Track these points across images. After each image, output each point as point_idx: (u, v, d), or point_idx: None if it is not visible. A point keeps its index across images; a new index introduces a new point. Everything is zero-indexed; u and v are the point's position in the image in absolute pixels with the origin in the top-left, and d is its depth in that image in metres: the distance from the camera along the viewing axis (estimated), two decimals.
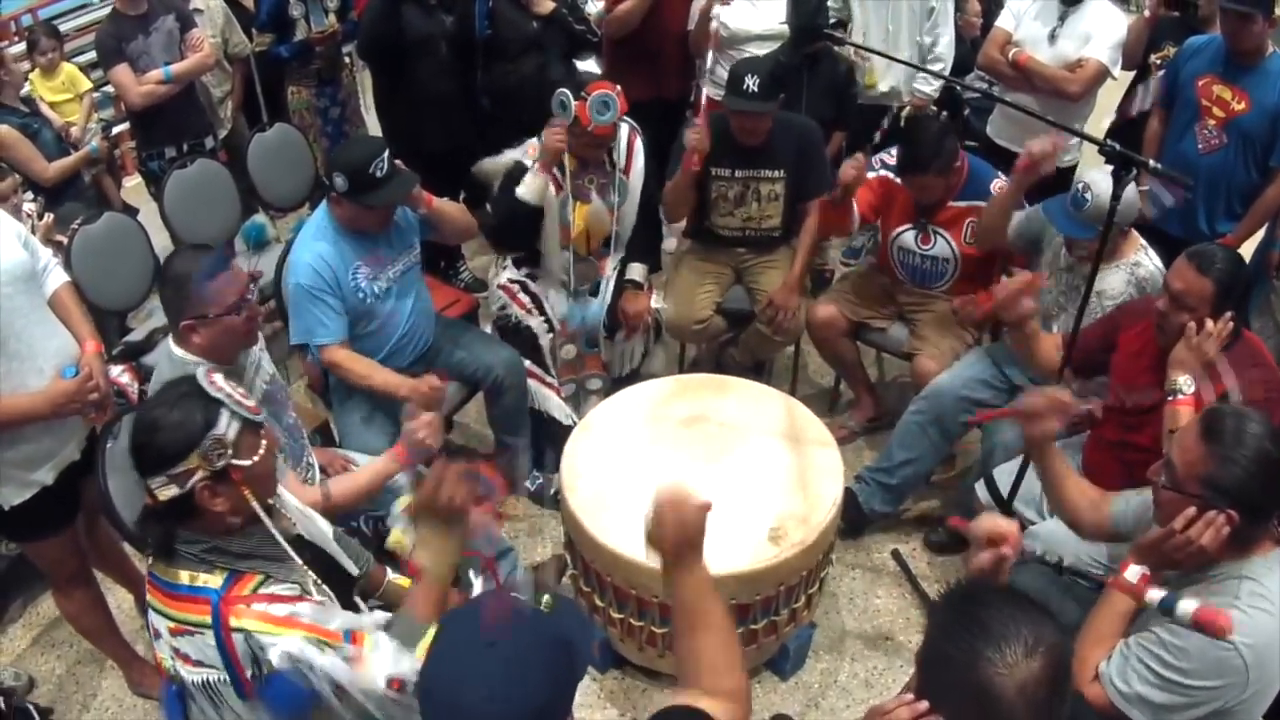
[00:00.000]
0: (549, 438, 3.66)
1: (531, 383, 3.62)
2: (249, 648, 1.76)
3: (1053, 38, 3.97)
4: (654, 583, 2.70)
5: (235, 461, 1.80)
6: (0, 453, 2.49)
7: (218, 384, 1.83)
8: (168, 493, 1.77)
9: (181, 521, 1.82)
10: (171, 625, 1.81)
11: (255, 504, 1.84)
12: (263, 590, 1.81)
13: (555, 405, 3.66)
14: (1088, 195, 2.90)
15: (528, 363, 3.60)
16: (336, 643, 1.78)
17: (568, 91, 3.33)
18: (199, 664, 1.80)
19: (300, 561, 1.90)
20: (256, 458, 1.85)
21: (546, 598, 1.52)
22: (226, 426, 1.80)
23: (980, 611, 1.44)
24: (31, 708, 3.00)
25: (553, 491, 3.60)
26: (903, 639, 3.25)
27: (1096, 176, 2.90)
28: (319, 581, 1.94)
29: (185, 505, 1.79)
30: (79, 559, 2.84)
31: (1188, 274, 2.50)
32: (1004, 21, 4.13)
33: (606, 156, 3.56)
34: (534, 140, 3.51)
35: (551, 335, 3.63)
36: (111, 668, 3.19)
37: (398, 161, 3.05)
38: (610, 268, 3.74)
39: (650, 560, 1.81)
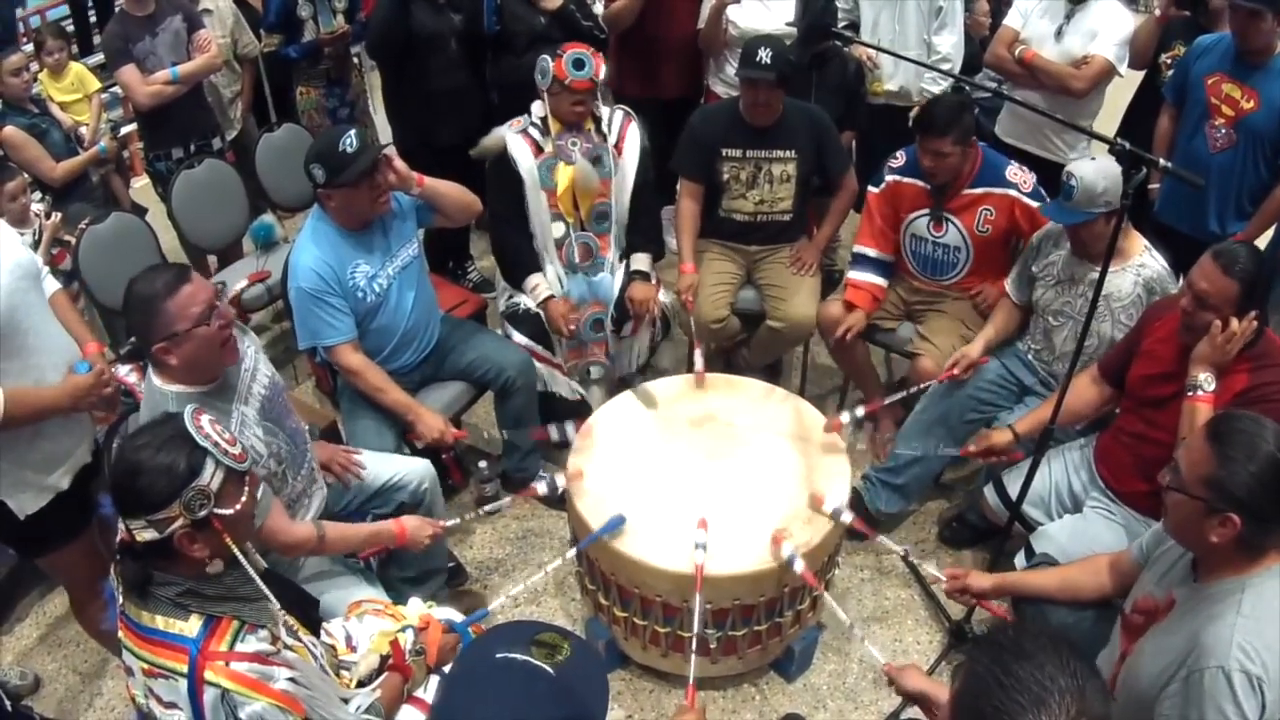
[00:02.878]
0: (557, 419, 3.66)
1: (540, 366, 3.63)
2: (221, 705, 1.76)
3: (1059, 35, 3.97)
4: (657, 582, 2.70)
5: (217, 511, 1.77)
6: (22, 454, 2.48)
7: (204, 429, 1.78)
8: (145, 535, 1.75)
9: (157, 562, 1.80)
10: (145, 667, 1.80)
11: (235, 550, 1.82)
12: (240, 645, 1.80)
13: (561, 383, 3.70)
14: (1073, 183, 2.96)
15: (536, 347, 3.63)
16: (300, 715, 1.82)
17: (546, 56, 3.45)
18: (171, 705, 1.79)
19: (275, 603, 1.89)
20: (239, 505, 1.82)
21: (563, 646, 1.47)
22: (211, 477, 1.76)
23: (1022, 668, 1.36)
24: (38, 717, 3.00)
25: (559, 491, 3.59)
26: (911, 640, 3.23)
27: (1080, 164, 2.99)
28: (290, 622, 1.93)
29: (163, 548, 1.77)
30: (97, 563, 2.80)
31: (1212, 274, 2.48)
32: (1012, 20, 4.13)
33: (594, 124, 3.59)
34: (521, 117, 3.59)
35: None
36: (119, 668, 3.18)
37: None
38: (611, 248, 3.75)
39: None
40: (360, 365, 3.12)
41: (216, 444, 1.78)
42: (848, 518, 2.80)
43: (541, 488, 2.94)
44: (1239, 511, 1.81)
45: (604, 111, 3.63)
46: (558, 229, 3.64)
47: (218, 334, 2.30)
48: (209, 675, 1.75)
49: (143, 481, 1.72)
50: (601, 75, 3.49)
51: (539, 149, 3.55)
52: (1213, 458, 1.85)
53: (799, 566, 2.61)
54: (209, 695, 1.75)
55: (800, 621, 2.94)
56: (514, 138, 3.55)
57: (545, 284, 3.64)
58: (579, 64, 3.41)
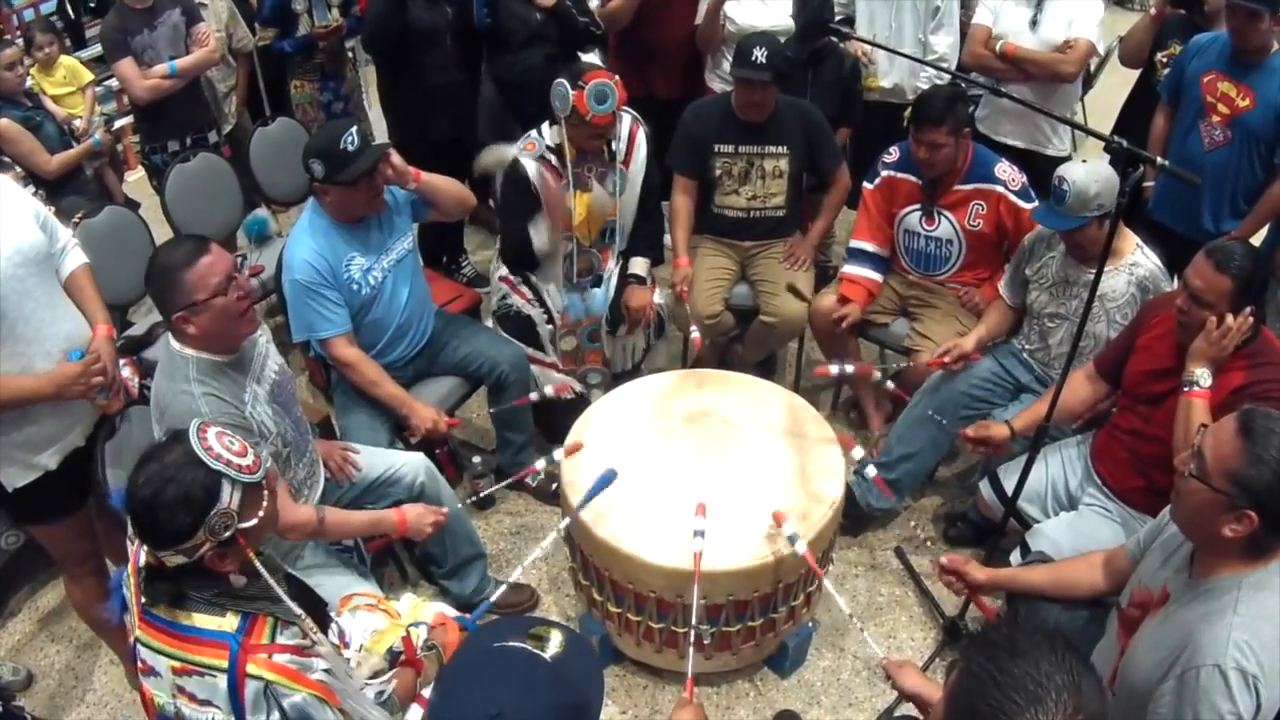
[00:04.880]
0: (555, 420, 3.65)
1: (534, 368, 3.62)
2: (263, 696, 1.76)
3: (1034, 25, 3.99)
4: (651, 578, 2.70)
5: (241, 527, 1.77)
6: (7, 433, 2.48)
7: (212, 447, 1.76)
8: (175, 560, 1.75)
9: (189, 580, 1.79)
10: (176, 665, 1.79)
11: (257, 564, 1.82)
12: (279, 639, 1.81)
13: (557, 381, 3.68)
14: (1065, 187, 2.95)
15: (527, 349, 3.62)
16: (335, 705, 1.84)
17: (565, 82, 3.32)
18: (206, 703, 1.79)
19: (298, 609, 1.89)
20: (261, 514, 1.82)
21: (557, 636, 1.47)
22: (230, 498, 1.75)
23: (1018, 665, 1.36)
24: (28, 717, 2.99)
25: (553, 487, 3.59)
26: (905, 636, 3.24)
27: (1071, 168, 2.99)
28: (309, 620, 1.93)
29: (193, 567, 1.77)
30: (89, 544, 2.81)
31: (1206, 271, 2.49)
32: (981, 18, 4.14)
33: (606, 146, 3.54)
34: (533, 134, 3.51)
35: (551, 327, 3.64)
36: (111, 662, 3.19)
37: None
38: (612, 260, 3.73)
39: None
40: (355, 358, 3.11)
41: (229, 462, 1.76)
42: (871, 471, 2.85)
43: (540, 464, 2.95)
44: (1259, 511, 1.79)
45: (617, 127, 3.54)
46: (565, 248, 3.61)
47: (236, 304, 2.34)
48: (251, 668, 1.75)
49: (163, 515, 1.70)
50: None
51: (559, 175, 3.47)
52: (1242, 453, 1.81)
53: (801, 547, 2.61)
54: (251, 688, 1.75)
55: (794, 617, 2.94)
56: (531, 164, 3.45)
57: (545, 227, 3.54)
58: (601, 98, 3.29)
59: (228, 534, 1.75)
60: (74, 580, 2.90)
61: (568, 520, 2.79)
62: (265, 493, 1.84)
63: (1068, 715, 1.32)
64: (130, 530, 1.87)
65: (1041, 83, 4.02)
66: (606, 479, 2.70)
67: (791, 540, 2.62)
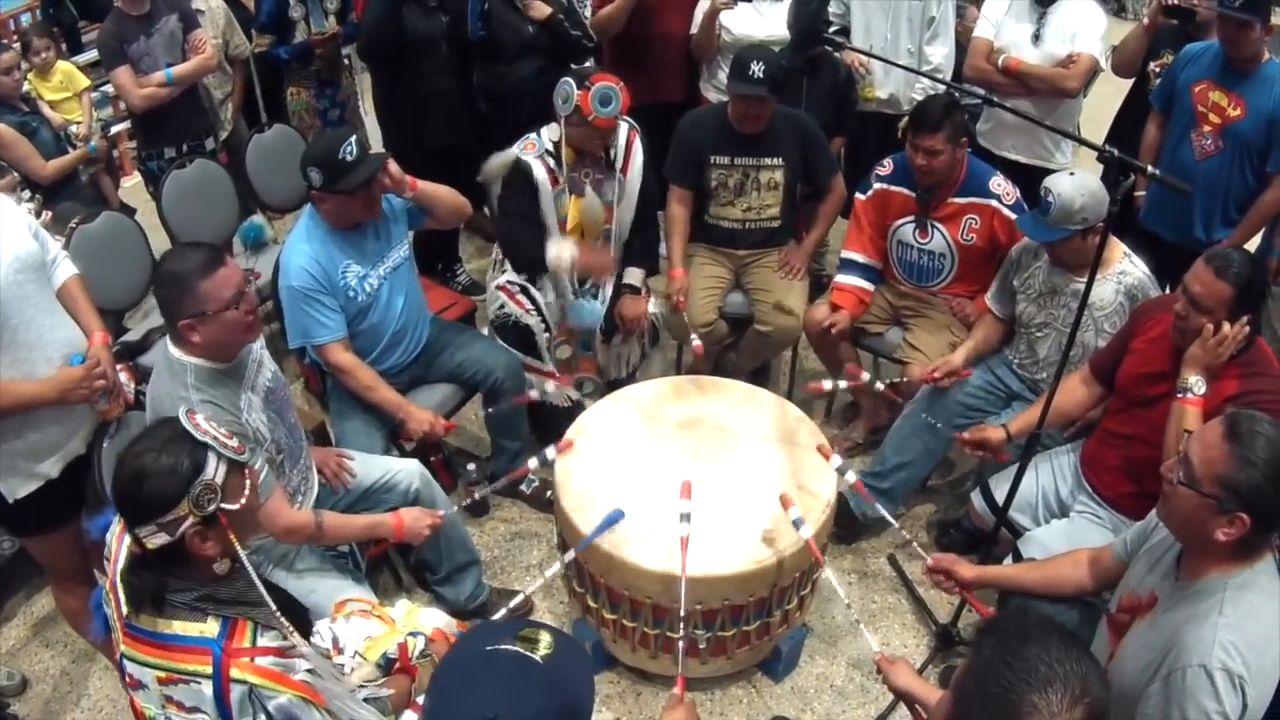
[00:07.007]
0: (550, 427, 3.65)
1: (530, 376, 3.63)
2: (248, 700, 1.77)
3: (1036, 38, 4.00)
4: (647, 584, 2.71)
5: (224, 506, 1.80)
6: (10, 442, 2.48)
7: (201, 425, 1.81)
8: (157, 540, 1.76)
9: (171, 569, 1.81)
10: (161, 675, 1.80)
11: (238, 547, 1.84)
12: (261, 642, 1.82)
13: (553, 391, 3.67)
14: (1050, 199, 2.96)
15: (524, 357, 3.62)
16: (321, 705, 1.85)
17: (571, 81, 3.33)
18: (194, 709, 1.79)
19: (274, 607, 1.89)
20: (243, 500, 1.85)
21: (545, 637, 1.48)
22: (215, 470, 1.78)
23: (1029, 650, 1.39)
24: None
25: (547, 494, 3.59)
26: (899, 643, 3.25)
27: (1058, 180, 2.99)
28: (288, 624, 1.94)
29: (175, 552, 1.78)
30: (81, 555, 2.80)
31: (1206, 277, 2.50)
32: (983, 31, 4.15)
33: (604, 153, 3.55)
34: (531, 136, 3.51)
35: (548, 335, 3.64)
36: (106, 668, 3.18)
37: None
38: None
39: None
40: (350, 364, 3.12)
41: (216, 438, 1.81)
42: (853, 477, 2.87)
43: (533, 463, 2.96)
44: (1250, 512, 1.81)
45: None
46: None
47: (243, 319, 2.37)
48: (235, 673, 1.77)
49: (149, 485, 1.73)
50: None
51: (555, 178, 3.48)
52: (1230, 457, 1.83)
53: (807, 532, 2.64)
54: (236, 692, 1.76)
55: (788, 621, 2.95)
56: (535, 162, 3.45)
57: (568, 244, 3.50)
58: (605, 100, 3.30)
59: (210, 508, 1.77)
60: (65, 591, 2.90)
61: (570, 554, 2.78)
62: (248, 482, 1.87)
63: (1075, 698, 1.35)
64: (108, 541, 1.88)
65: (1044, 97, 4.03)
66: (613, 519, 2.69)
67: (797, 525, 2.64)
